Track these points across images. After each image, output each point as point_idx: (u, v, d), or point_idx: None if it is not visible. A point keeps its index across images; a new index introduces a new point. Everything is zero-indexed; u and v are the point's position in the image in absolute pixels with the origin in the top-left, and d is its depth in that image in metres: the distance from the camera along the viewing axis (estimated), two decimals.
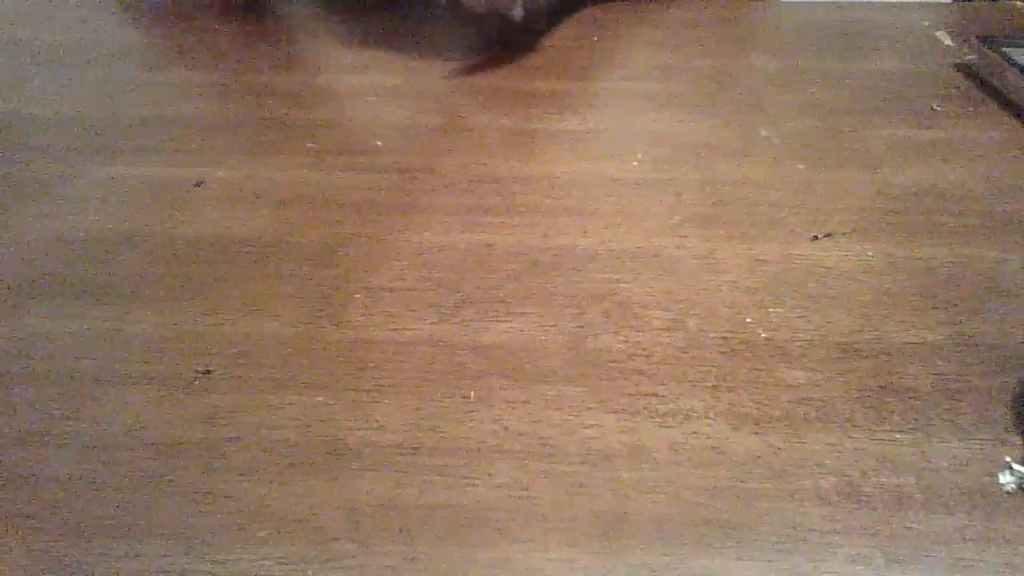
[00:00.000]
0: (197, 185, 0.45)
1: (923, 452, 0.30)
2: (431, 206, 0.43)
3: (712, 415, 0.32)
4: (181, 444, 0.31)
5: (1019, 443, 0.30)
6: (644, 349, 0.34)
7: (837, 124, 0.50)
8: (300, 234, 0.41)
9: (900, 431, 0.31)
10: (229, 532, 0.28)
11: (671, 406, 0.32)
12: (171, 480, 0.30)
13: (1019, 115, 0.50)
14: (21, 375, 0.34)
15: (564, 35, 0.62)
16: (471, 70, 0.57)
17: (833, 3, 0.66)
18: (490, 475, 0.30)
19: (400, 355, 0.34)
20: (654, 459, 0.30)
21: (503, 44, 0.60)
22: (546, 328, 0.36)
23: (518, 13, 0.58)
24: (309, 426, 0.31)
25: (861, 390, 0.33)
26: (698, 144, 0.48)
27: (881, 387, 0.33)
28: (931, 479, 0.29)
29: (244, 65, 0.58)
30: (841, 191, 0.44)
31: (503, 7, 0.58)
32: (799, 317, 0.36)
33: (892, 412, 0.32)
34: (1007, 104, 0.52)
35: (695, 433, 0.31)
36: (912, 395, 0.32)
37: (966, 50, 0.58)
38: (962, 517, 0.28)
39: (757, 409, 0.32)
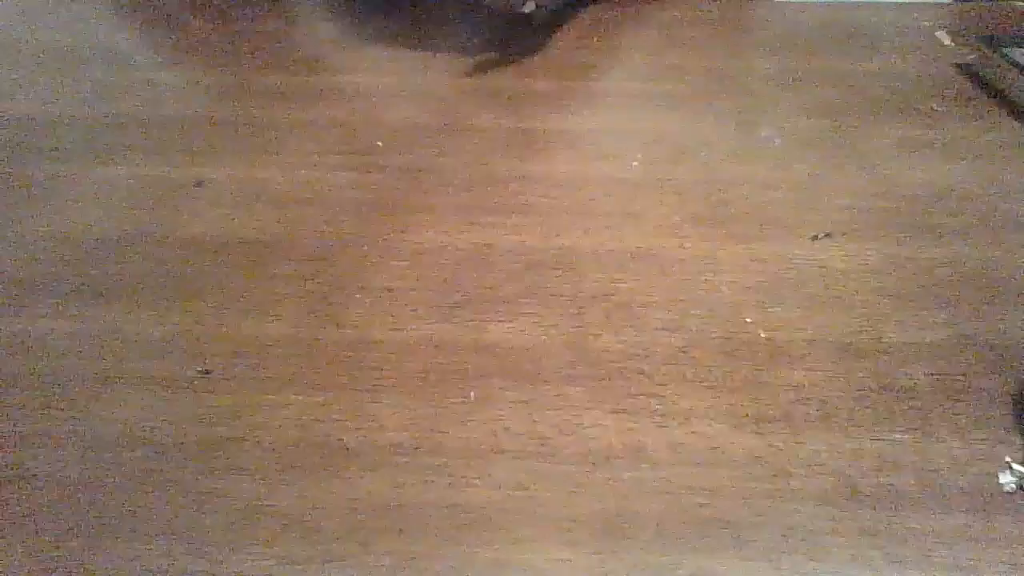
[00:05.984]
0: (197, 185, 0.45)
1: (923, 452, 0.30)
2: (431, 206, 0.43)
3: (712, 415, 0.32)
4: (181, 444, 0.31)
5: (1019, 443, 0.30)
6: (644, 349, 0.34)
7: (837, 124, 0.50)
8: (300, 234, 0.41)
9: (900, 431, 0.31)
10: (229, 532, 0.28)
11: (671, 406, 0.32)
12: (171, 480, 0.30)
13: (1019, 115, 0.50)
14: (21, 375, 0.34)
15: (564, 35, 0.62)
16: (477, 70, 0.57)
17: (833, 3, 0.66)
18: (490, 475, 0.30)
19: (400, 355, 0.34)
20: (654, 459, 0.30)
21: (507, 43, 0.60)
22: (546, 328, 0.36)
23: (529, 6, 0.57)
24: (309, 426, 0.31)
25: (861, 390, 0.33)
26: (698, 144, 0.48)
27: (881, 387, 0.33)
28: (931, 479, 0.29)
29: (244, 65, 0.58)
30: (841, 191, 0.44)
31: (515, 2, 0.58)
32: (799, 317, 0.36)
33: (892, 412, 0.32)
34: (1007, 104, 0.52)
35: (695, 433, 0.31)
36: (912, 395, 0.32)
37: (966, 50, 0.58)
38: (962, 517, 0.28)
39: (757, 409, 0.32)
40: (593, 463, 0.30)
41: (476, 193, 0.44)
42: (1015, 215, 0.42)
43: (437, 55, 0.59)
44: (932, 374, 0.33)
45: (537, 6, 0.58)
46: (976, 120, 0.50)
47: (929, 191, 0.44)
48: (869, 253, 0.39)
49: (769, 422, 0.31)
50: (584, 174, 0.46)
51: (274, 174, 0.46)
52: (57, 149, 0.49)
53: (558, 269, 0.39)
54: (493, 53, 0.59)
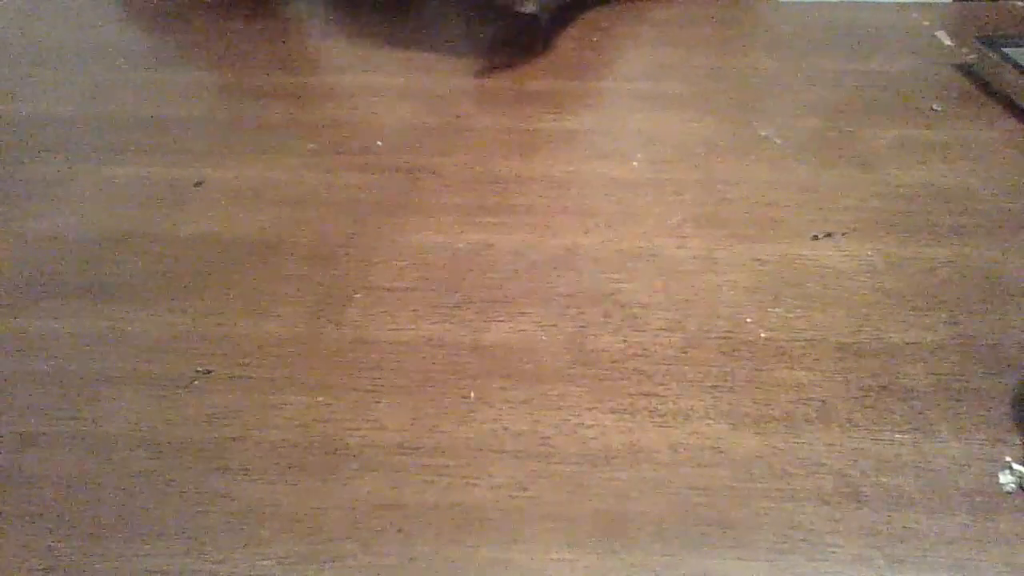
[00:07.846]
0: (197, 185, 0.45)
1: (923, 452, 0.30)
2: (431, 206, 0.43)
3: (712, 415, 0.32)
4: (181, 444, 0.31)
5: (1019, 443, 0.30)
6: (644, 349, 0.34)
7: (837, 124, 0.50)
8: (300, 234, 0.41)
9: (900, 431, 0.31)
10: (229, 532, 0.28)
11: (671, 406, 0.32)
12: (171, 480, 0.30)
13: (1019, 115, 0.50)
14: (21, 375, 0.34)
15: (564, 35, 0.62)
16: (477, 70, 0.57)
17: (833, 3, 0.66)
18: (490, 475, 0.30)
19: (400, 355, 0.34)
20: (654, 459, 0.30)
21: (508, 44, 0.60)
22: (546, 328, 0.36)
23: (529, 7, 0.57)
24: (309, 426, 0.31)
25: (861, 390, 0.33)
26: (698, 144, 0.48)
27: (881, 387, 0.33)
28: (931, 479, 0.29)
29: (244, 65, 0.58)
30: (841, 191, 0.44)
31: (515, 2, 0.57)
32: (799, 317, 0.36)
33: (892, 412, 0.32)
34: (1007, 104, 0.51)
35: (695, 433, 0.31)
36: (912, 395, 0.32)
37: (966, 50, 0.58)
38: (962, 517, 0.28)
39: (757, 409, 0.32)
40: (593, 463, 0.30)
41: (476, 193, 0.44)
42: (1015, 215, 0.42)
43: (437, 55, 0.59)
44: (932, 374, 0.33)
45: (540, 8, 0.58)
46: (976, 120, 0.50)
47: (929, 191, 0.44)
48: (869, 253, 0.39)
49: (769, 422, 0.31)
50: (584, 174, 0.46)
51: (274, 174, 0.46)
52: (57, 149, 0.49)
53: (558, 269, 0.39)
54: (493, 53, 0.59)
